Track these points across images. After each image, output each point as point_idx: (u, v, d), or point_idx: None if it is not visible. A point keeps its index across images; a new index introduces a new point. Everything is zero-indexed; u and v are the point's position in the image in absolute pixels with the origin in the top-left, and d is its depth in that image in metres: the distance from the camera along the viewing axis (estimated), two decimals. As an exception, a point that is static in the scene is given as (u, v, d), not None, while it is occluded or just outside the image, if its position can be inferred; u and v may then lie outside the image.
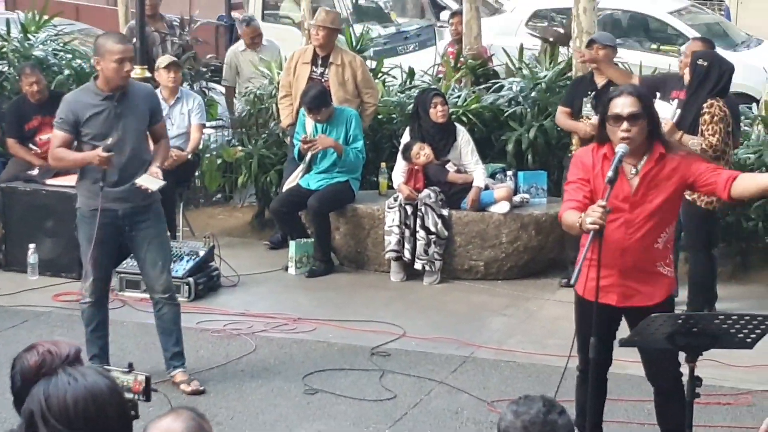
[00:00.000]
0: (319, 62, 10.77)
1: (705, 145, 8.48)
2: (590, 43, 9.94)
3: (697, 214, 8.75)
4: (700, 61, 8.73)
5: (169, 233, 10.13)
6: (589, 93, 9.73)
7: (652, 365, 6.14)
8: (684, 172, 5.84)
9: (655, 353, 5.95)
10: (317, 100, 10.11)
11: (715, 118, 8.56)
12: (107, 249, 7.49)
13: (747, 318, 5.19)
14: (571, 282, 5.78)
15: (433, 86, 11.36)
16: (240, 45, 13.47)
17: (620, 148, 5.70)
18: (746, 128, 10.81)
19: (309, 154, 10.25)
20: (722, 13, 19.56)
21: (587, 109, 9.69)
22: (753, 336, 5.25)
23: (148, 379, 4.54)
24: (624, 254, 5.84)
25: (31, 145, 10.70)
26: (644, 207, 5.84)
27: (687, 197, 8.63)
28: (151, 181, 7.34)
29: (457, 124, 10.41)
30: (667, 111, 8.90)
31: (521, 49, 12.16)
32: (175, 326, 7.69)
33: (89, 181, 7.43)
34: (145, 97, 7.56)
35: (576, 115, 9.83)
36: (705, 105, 8.59)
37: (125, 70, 7.29)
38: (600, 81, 9.74)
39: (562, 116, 10.01)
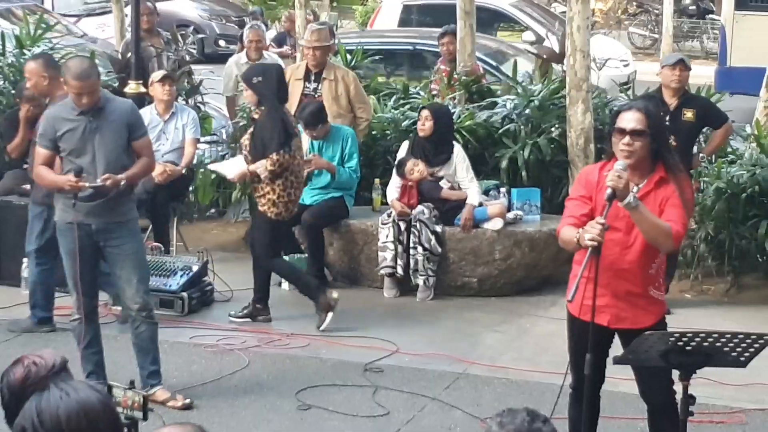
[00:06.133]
0: (312, 78, 10.79)
1: (269, 165, 8.74)
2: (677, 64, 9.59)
3: (264, 222, 8.93)
4: (255, 80, 8.82)
5: (162, 248, 10.20)
6: (662, 114, 9.46)
7: (645, 382, 6.13)
8: (663, 208, 5.81)
9: (648, 371, 5.95)
10: (314, 117, 10.11)
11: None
12: (87, 263, 7.48)
13: (740, 336, 5.21)
14: (569, 298, 5.77)
15: (429, 102, 11.39)
16: (242, 57, 13.51)
17: (619, 164, 5.70)
18: (739, 146, 10.86)
19: (305, 173, 10.25)
20: (716, 32, 19.60)
21: None
22: (746, 354, 5.27)
23: (145, 398, 4.55)
24: (617, 276, 5.83)
25: (27, 159, 10.69)
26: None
27: (259, 208, 8.92)
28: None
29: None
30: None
31: (515, 66, 12.19)
32: (152, 344, 7.66)
33: (63, 196, 7.42)
34: (123, 112, 7.49)
35: None
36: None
37: (83, 102, 7.27)
38: (672, 102, 9.55)
39: None
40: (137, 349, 7.68)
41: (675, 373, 5.60)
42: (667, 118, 9.35)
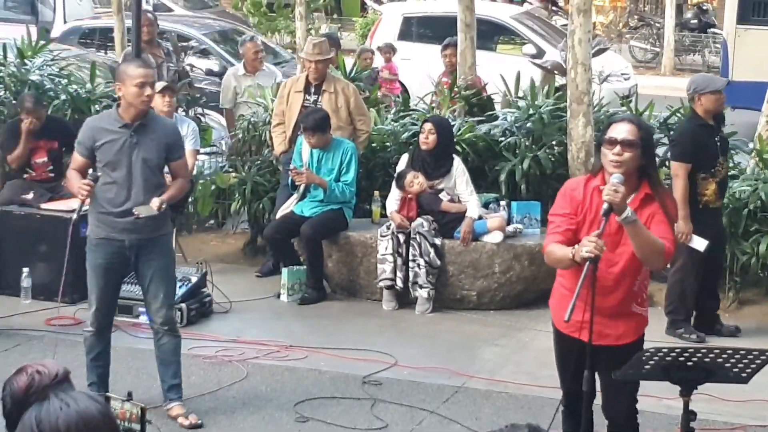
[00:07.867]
0: (312, 90, 10.78)
1: None
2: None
3: None
4: None
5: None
6: (716, 138, 9.22)
7: (609, 397, 6.09)
8: (649, 225, 5.75)
9: (614, 384, 5.90)
10: (315, 123, 10.09)
11: None
12: (111, 279, 7.46)
13: (742, 352, 5.19)
14: (565, 319, 5.74)
15: (431, 114, 11.40)
16: (239, 69, 13.51)
17: (615, 177, 5.67)
18: (741, 161, 10.84)
19: (303, 185, 10.25)
20: (718, 46, 19.60)
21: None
22: (748, 371, 5.25)
23: (143, 410, 4.53)
24: (600, 292, 5.70)
25: (27, 168, 10.70)
26: (625, 248, 5.78)
27: None
28: (144, 208, 7.30)
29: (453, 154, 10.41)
30: None
31: (518, 77, 12.18)
32: (174, 357, 7.62)
33: (96, 210, 7.38)
34: (165, 131, 7.46)
35: (710, 161, 9.12)
36: None
37: (146, 94, 7.22)
38: (711, 121, 9.25)
39: (684, 174, 9.02)
40: (159, 362, 7.65)
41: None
42: (717, 139, 9.23)
